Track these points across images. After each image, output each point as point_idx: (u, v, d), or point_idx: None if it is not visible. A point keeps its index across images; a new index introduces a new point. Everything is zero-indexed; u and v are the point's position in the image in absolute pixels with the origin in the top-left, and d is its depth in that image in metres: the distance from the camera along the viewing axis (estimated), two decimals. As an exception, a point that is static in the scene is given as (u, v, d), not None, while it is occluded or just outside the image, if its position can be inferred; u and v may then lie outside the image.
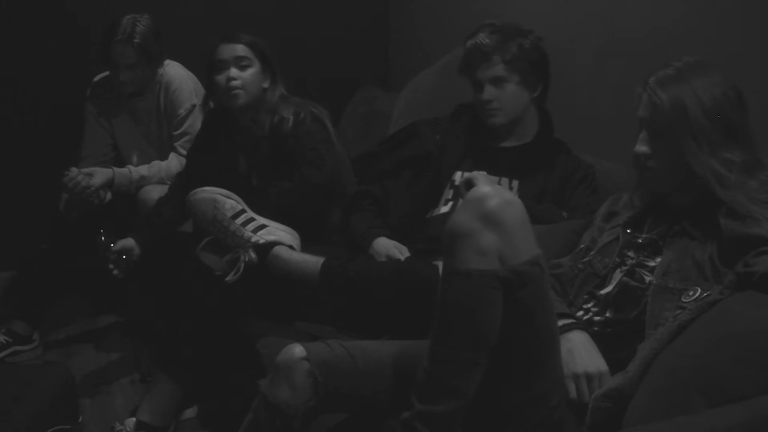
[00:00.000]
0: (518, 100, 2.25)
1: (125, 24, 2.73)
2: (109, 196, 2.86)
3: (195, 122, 2.83)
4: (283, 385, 1.50)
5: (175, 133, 2.89)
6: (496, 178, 2.24)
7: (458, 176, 2.27)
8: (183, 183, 2.54)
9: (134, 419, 2.21)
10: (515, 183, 2.24)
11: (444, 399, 1.38)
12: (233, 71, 2.38)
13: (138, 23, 2.74)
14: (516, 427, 1.43)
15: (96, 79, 2.97)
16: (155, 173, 2.83)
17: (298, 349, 1.52)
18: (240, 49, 2.41)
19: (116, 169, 2.82)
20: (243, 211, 2.17)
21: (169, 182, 2.78)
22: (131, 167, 2.85)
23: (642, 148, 1.58)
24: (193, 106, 2.85)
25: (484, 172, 2.22)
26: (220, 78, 2.40)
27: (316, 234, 2.42)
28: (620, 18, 2.41)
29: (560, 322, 1.55)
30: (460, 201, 2.09)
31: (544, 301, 1.43)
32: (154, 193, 2.72)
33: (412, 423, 1.39)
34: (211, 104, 2.60)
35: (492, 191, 1.40)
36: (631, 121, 1.63)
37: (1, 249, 3.22)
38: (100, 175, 2.77)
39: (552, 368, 1.45)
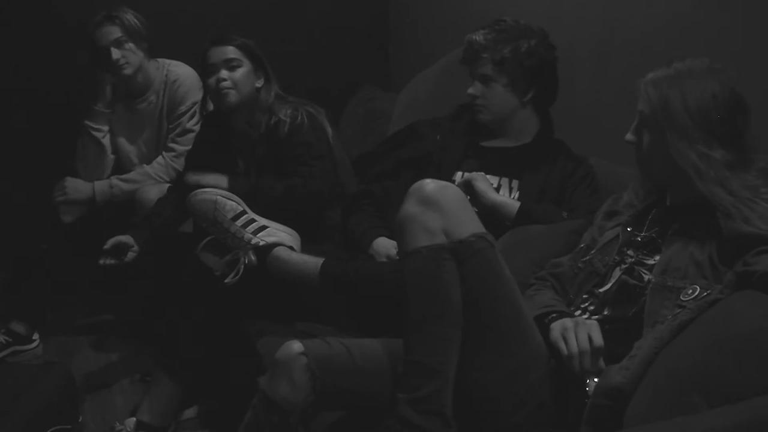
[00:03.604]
0: (503, 101, 2.25)
1: (102, 13, 2.78)
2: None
3: (195, 119, 2.84)
4: (281, 381, 1.51)
5: (171, 126, 2.89)
6: (496, 178, 2.24)
7: (458, 176, 2.27)
8: (183, 183, 2.54)
9: (134, 419, 2.21)
10: (515, 183, 2.24)
11: (425, 381, 1.42)
12: (223, 73, 2.41)
13: (114, 8, 2.78)
14: (499, 406, 1.46)
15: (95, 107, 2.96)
16: (140, 179, 2.84)
17: (296, 346, 1.53)
18: (230, 51, 2.43)
19: (96, 184, 2.85)
20: (243, 213, 2.17)
21: (164, 182, 2.80)
22: (113, 180, 2.86)
23: (629, 136, 1.65)
24: (194, 103, 2.86)
25: (482, 173, 2.22)
26: (211, 81, 2.43)
27: (316, 234, 2.42)
28: (620, 18, 2.41)
29: (551, 316, 1.57)
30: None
31: (498, 275, 1.49)
32: (152, 193, 2.72)
33: (401, 412, 1.41)
34: (211, 106, 2.61)
35: (428, 180, 1.55)
36: (631, 121, 1.64)
37: (1, 249, 3.22)
38: (80, 191, 2.82)
39: (522, 343, 1.48)
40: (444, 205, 1.49)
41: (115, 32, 2.75)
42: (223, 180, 2.39)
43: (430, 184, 1.53)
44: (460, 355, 1.45)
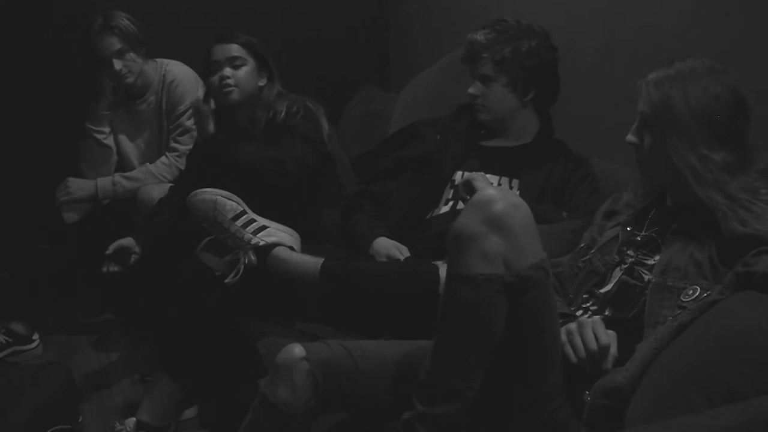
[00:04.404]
0: (503, 101, 2.25)
1: (97, 20, 2.77)
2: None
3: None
4: (282, 385, 1.50)
5: (171, 126, 2.89)
6: (497, 178, 2.24)
7: (459, 176, 2.27)
8: (183, 183, 2.54)
9: (134, 419, 2.21)
10: (515, 183, 2.24)
11: (445, 401, 1.39)
12: (227, 71, 2.42)
13: (110, 15, 2.77)
14: (519, 428, 1.44)
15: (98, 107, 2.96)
16: (143, 178, 2.84)
17: (297, 349, 1.52)
18: (234, 49, 2.44)
19: (99, 181, 2.85)
20: (243, 213, 2.17)
21: (167, 181, 2.80)
22: (116, 177, 2.87)
23: (630, 137, 1.63)
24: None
25: (482, 173, 2.22)
26: (214, 78, 2.44)
27: (316, 234, 2.42)
28: (620, 18, 2.41)
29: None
30: (461, 202, 2.09)
31: (548, 304, 1.44)
32: (154, 192, 2.72)
33: (413, 424, 1.39)
34: (212, 105, 2.61)
35: (498, 195, 1.40)
36: (632, 121, 1.64)
37: (0, 249, 3.22)
38: (83, 189, 2.83)
39: (554, 369, 1.45)
40: (511, 230, 1.37)
41: (115, 43, 2.75)
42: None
43: (500, 202, 1.38)
44: (491, 377, 1.41)
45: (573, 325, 1.48)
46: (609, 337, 1.46)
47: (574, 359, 1.45)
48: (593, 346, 1.44)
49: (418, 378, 1.42)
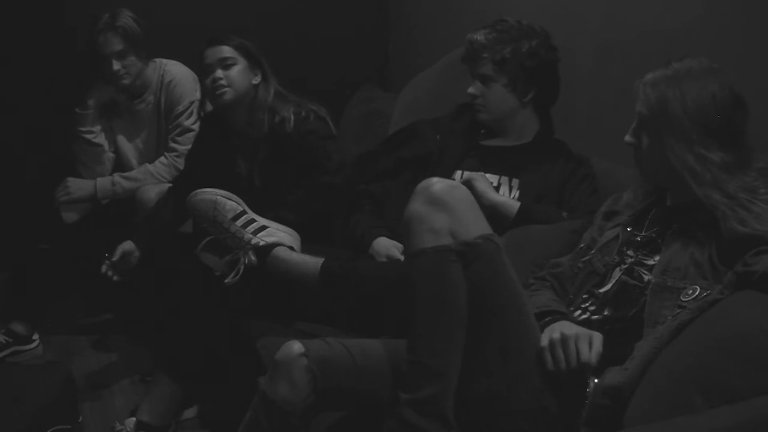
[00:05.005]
0: (503, 101, 2.25)
1: (104, 16, 2.76)
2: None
3: (192, 118, 2.85)
4: (281, 382, 1.50)
5: (170, 126, 2.90)
6: (496, 177, 2.24)
7: (458, 175, 2.27)
8: (182, 184, 2.54)
9: (134, 419, 2.21)
10: (515, 182, 2.24)
11: (427, 382, 1.41)
12: (218, 72, 2.42)
13: (117, 13, 2.77)
14: (503, 411, 1.45)
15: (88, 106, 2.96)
16: (142, 178, 2.84)
17: (296, 346, 1.53)
18: (225, 51, 2.44)
19: (98, 181, 2.86)
20: (243, 213, 2.18)
21: (166, 181, 2.80)
22: (115, 177, 2.88)
23: (627, 138, 1.64)
24: (192, 102, 2.86)
25: (482, 173, 2.22)
26: (207, 81, 2.45)
27: (316, 234, 2.42)
28: (620, 18, 2.41)
29: (549, 318, 1.56)
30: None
31: (504, 278, 1.48)
32: (152, 193, 2.73)
33: (401, 413, 1.41)
34: (209, 106, 2.62)
35: (436, 179, 1.55)
36: (632, 121, 1.64)
37: (0, 249, 3.22)
38: (83, 189, 2.84)
39: (527, 347, 1.47)
40: (452, 205, 1.49)
41: (118, 44, 2.75)
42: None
43: (437, 183, 1.52)
44: (464, 358, 1.44)
45: (557, 335, 1.45)
46: (593, 352, 1.43)
47: (551, 367, 1.44)
48: (573, 363, 1.42)
49: (401, 371, 1.45)
